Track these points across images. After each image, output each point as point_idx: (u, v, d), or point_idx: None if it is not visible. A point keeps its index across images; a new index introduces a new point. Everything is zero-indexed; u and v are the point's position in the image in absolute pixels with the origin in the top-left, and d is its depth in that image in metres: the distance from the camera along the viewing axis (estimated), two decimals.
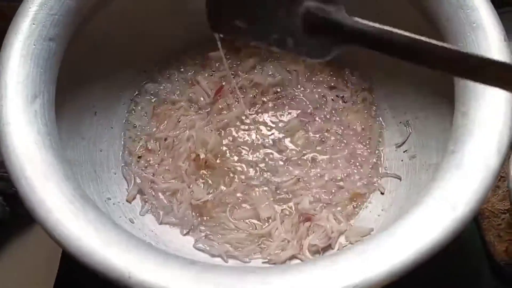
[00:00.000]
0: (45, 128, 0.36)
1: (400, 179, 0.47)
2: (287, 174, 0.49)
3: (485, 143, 0.33)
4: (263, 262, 0.46)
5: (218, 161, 0.50)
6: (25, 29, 0.38)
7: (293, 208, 0.48)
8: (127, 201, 0.48)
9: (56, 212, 0.32)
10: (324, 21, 0.27)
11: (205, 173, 0.49)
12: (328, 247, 0.46)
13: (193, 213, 0.48)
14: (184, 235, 0.47)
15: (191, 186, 0.49)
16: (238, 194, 0.49)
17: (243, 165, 0.50)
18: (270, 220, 0.47)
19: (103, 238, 0.32)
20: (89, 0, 0.42)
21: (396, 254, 0.30)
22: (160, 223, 0.47)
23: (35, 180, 0.33)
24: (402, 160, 0.48)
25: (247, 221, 0.48)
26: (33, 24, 0.38)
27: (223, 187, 0.49)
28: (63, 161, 0.35)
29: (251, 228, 0.47)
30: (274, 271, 0.32)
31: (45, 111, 0.37)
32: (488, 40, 0.36)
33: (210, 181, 0.49)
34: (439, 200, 0.32)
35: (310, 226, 0.47)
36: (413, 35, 0.25)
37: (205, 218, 0.48)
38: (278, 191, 0.49)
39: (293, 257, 0.46)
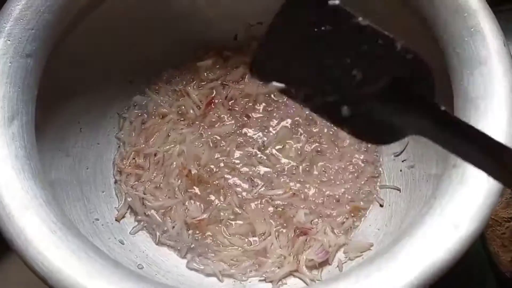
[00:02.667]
0: (24, 152, 0.34)
1: (399, 190, 0.46)
2: (282, 187, 0.47)
3: None
4: (260, 280, 0.44)
5: (210, 176, 0.48)
6: (0, 46, 0.36)
7: (289, 222, 0.46)
8: (116, 220, 0.46)
9: (36, 243, 0.30)
10: (417, 99, 0.22)
11: (198, 189, 0.47)
12: (326, 262, 0.44)
13: (188, 232, 0.46)
14: (182, 258, 0.45)
15: (185, 204, 0.47)
16: (233, 209, 0.47)
17: (237, 179, 0.48)
18: (265, 235, 0.46)
19: (86, 269, 0.30)
20: (67, 14, 0.40)
21: (398, 280, 0.28)
22: (158, 243, 0.46)
23: (13, 208, 0.31)
24: (401, 170, 0.46)
25: (242, 237, 0.46)
26: (8, 40, 0.36)
27: (217, 203, 0.47)
28: (44, 186, 0.34)
29: (246, 245, 0.46)
30: None
31: (24, 133, 0.35)
32: (487, 46, 0.35)
33: (203, 198, 0.47)
34: (441, 219, 0.30)
35: (306, 240, 0.45)
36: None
37: (199, 235, 0.46)
38: (273, 205, 0.47)
39: (290, 273, 0.44)
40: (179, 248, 0.45)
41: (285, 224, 0.46)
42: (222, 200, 0.47)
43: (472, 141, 0.22)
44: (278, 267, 0.44)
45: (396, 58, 0.23)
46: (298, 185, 0.47)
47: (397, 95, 0.22)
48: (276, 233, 0.46)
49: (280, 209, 0.46)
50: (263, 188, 0.48)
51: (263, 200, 0.47)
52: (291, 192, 0.47)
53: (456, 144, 0.22)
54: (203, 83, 0.52)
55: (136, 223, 0.47)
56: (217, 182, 0.48)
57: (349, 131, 0.23)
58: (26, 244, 0.30)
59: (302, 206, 0.46)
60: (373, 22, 0.23)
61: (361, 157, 0.49)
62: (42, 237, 0.30)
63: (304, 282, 0.43)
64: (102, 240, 0.42)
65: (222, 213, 0.47)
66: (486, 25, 0.36)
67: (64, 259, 0.30)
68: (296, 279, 0.43)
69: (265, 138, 0.50)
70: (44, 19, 0.38)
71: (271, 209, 0.47)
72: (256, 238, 0.46)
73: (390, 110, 0.23)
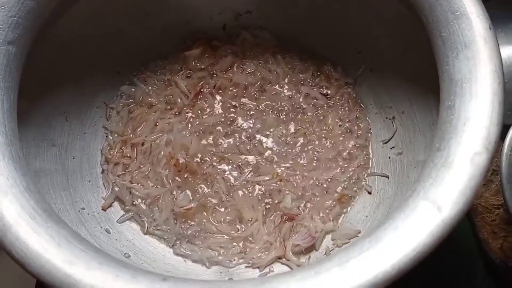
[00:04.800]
0: (5, 138, 0.34)
1: (387, 177, 0.45)
2: (269, 173, 0.47)
3: (472, 140, 0.31)
4: (247, 267, 0.44)
5: (198, 165, 0.48)
6: None
7: (276, 208, 0.46)
8: (102, 209, 0.46)
9: (14, 228, 0.30)
10: None
11: (186, 178, 0.47)
12: (312, 247, 0.44)
13: (175, 221, 0.46)
14: (169, 247, 0.45)
15: (173, 193, 0.47)
16: (220, 196, 0.47)
17: (225, 167, 0.48)
18: (252, 221, 0.46)
19: (65, 255, 0.29)
20: (51, 1, 0.39)
21: (381, 263, 0.28)
22: (146, 233, 0.46)
23: None
24: (389, 157, 0.46)
25: (229, 224, 0.46)
26: None
27: (205, 191, 0.47)
28: (25, 173, 0.33)
29: (233, 231, 0.45)
30: (251, 284, 0.30)
31: (6, 120, 0.35)
32: (472, 29, 0.34)
33: (191, 187, 0.47)
34: (424, 201, 0.30)
35: (293, 226, 0.45)
36: None
37: (187, 223, 0.46)
38: (260, 191, 0.47)
39: (276, 259, 0.44)
40: (166, 237, 0.45)
41: (272, 210, 0.46)
42: (210, 188, 0.47)
43: None
44: (265, 253, 0.44)
45: None
46: (286, 171, 0.47)
47: None
48: (263, 219, 0.45)
49: (268, 195, 0.46)
50: (250, 174, 0.47)
51: (250, 187, 0.47)
52: (278, 178, 0.47)
53: None
54: (191, 73, 0.52)
55: (124, 212, 0.46)
56: (205, 171, 0.47)
57: None
58: (4, 230, 0.30)
59: (289, 192, 0.46)
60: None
61: (350, 145, 0.48)
62: (21, 223, 0.30)
63: (291, 268, 0.43)
64: (88, 230, 0.42)
65: (209, 201, 0.46)
66: (471, 8, 0.35)
67: (43, 244, 0.29)
68: (284, 266, 0.43)
69: (253, 126, 0.49)
70: (27, 6, 0.37)
71: (258, 194, 0.46)
72: (243, 225, 0.46)
73: None
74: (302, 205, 0.46)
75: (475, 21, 0.35)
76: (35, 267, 0.29)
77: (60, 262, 0.29)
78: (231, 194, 0.47)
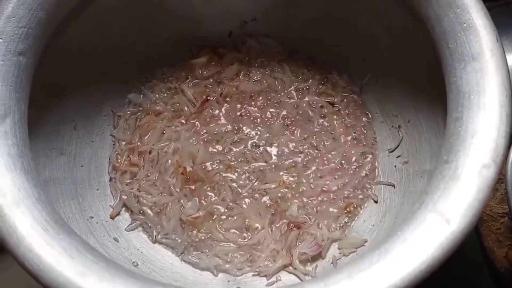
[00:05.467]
0: (16, 150, 0.34)
1: (394, 186, 0.46)
2: (276, 180, 0.48)
3: (479, 152, 0.31)
4: (254, 275, 0.44)
5: (206, 173, 0.48)
6: None
7: (282, 216, 0.46)
8: (110, 217, 0.46)
9: (27, 240, 0.30)
10: None
11: (193, 186, 0.47)
12: (318, 255, 0.44)
13: (183, 229, 0.46)
14: (177, 256, 0.45)
15: (180, 201, 0.47)
16: (227, 204, 0.47)
17: (232, 176, 0.48)
18: (259, 229, 0.46)
19: (78, 267, 0.30)
20: (60, 11, 0.40)
21: (390, 276, 0.28)
22: (154, 242, 0.46)
23: (5, 206, 0.31)
24: (395, 166, 0.46)
25: (236, 232, 0.46)
26: (0, 38, 0.36)
27: (211, 199, 0.47)
28: (37, 184, 0.34)
29: (240, 239, 0.46)
30: None
31: (16, 131, 0.35)
32: (480, 41, 0.34)
33: (198, 195, 0.47)
34: (433, 214, 0.30)
35: (299, 234, 0.45)
36: None
37: (194, 231, 0.46)
38: (267, 199, 0.47)
39: (283, 267, 0.44)
40: (174, 246, 0.45)
41: (278, 218, 0.46)
42: (217, 196, 0.47)
43: None
44: (271, 262, 0.44)
45: None
46: (292, 179, 0.48)
47: None
48: (270, 227, 0.46)
49: (274, 203, 0.47)
50: (257, 182, 0.48)
51: (257, 195, 0.47)
52: (284, 186, 0.47)
53: None
54: (197, 81, 0.52)
55: (132, 220, 0.47)
56: (212, 179, 0.48)
57: None
58: (18, 242, 0.30)
59: (295, 200, 0.46)
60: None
61: (357, 154, 0.48)
62: (34, 235, 0.30)
63: (299, 278, 0.43)
64: (96, 238, 0.42)
65: (216, 209, 0.47)
66: (479, 20, 0.35)
67: (56, 257, 0.30)
68: (291, 275, 0.43)
69: (259, 134, 0.50)
70: (37, 16, 0.38)
71: (265, 203, 0.47)
72: (250, 233, 0.46)
73: None
74: (308, 213, 0.46)
75: (482, 33, 0.35)
76: (48, 279, 0.29)
77: (72, 274, 0.29)
78: (237, 202, 0.47)
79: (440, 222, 0.30)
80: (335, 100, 0.51)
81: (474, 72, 0.34)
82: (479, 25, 0.35)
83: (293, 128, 0.50)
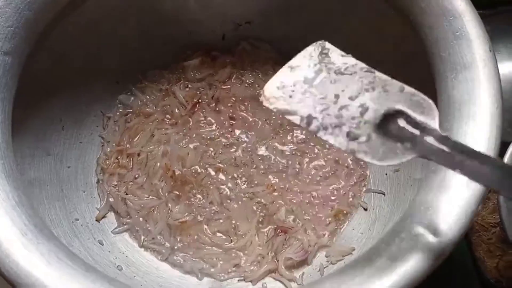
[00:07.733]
0: None
1: (384, 194, 0.45)
2: (264, 184, 0.47)
3: None
4: (239, 280, 0.44)
5: (195, 177, 0.47)
6: None
7: (270, 220, 0.46)
8: (96, 220, 0.45)
9: (5, 245, 0.29)
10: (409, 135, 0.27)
11: (182, 190, 0.47)
12: (304, 261, 0.44)
13: (170, 233, 0.45)
14: (163, 261, 0.45)
15: (168, 205, 0.46)
16: (215, 208, 0.46)
17: (221, 179, 0.48)
18: (245, 233, 0.45)
19: (55, 273, 0.29)
20: (48, 12, 0.39)
21: None
22: (141, 246, 0.45)
23: None
24: (386, 174, 0.46)
25: (223, 236, 0.46)
26: None
27: (200, 203, 0.47)
28: (18, 187, 0.33)
29: (227, 243, 0.45)
30: None
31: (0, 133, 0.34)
32: (472, 51, 0.34)
33: (187, 199, 0.47)
34: (419, 225, 0.30)
35: (285, 239, 0.45)
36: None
37: (181, 235, 0.45)
38: (255, 202, 0.46)
39: (269, 272, 0.44)
40: (160, 250, 0.45)
41: (265, 222, 0.46)
42: (205, 199, 0.47)
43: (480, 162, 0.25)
44: (257, 266, 0.44)
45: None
46: (281, 184, 0.47)
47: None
48: (256, 231, 0.45)
49: (262, 206, 0.46)
50: (245, 186, 0.47)
51: (245, 199, 0.47)
52: (271, 189, 0.46)
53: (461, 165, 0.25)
54: (189, 83, 0.51)
55: (118, 223, 0.46)
56: (200, 182, 0.47)
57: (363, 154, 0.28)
58: None
59: (283, 205, 0.46)
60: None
61: (348, 160, 0.48)
62: (12, 239, 0.30)
63: (284, 285, 0.42)
64: (81, 241, 0.42)
65: (204, 212, 0.46)
66: (472, 29, 0.35)
67: (33, 262, 0.29)
68: (277, 282, 0.43)
69: (249, 138, 0.49)
70: (24, 16, 0.37)
71: (252, 206, 0.46)
72: (237, 237, 0.45)
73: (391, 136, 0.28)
74: (296, 218, 0.46)
75: (475, 43, 0.34)
76: (25, 285, 0.29)
77: (49, 280, 0.29)
78: (225, 205, 0.46)
79: (426, 234, 0.29)
80: None
81: (465, 82, 0.33)
82: (472, 34, 0.35)
83: (284, 133, 0.49)
